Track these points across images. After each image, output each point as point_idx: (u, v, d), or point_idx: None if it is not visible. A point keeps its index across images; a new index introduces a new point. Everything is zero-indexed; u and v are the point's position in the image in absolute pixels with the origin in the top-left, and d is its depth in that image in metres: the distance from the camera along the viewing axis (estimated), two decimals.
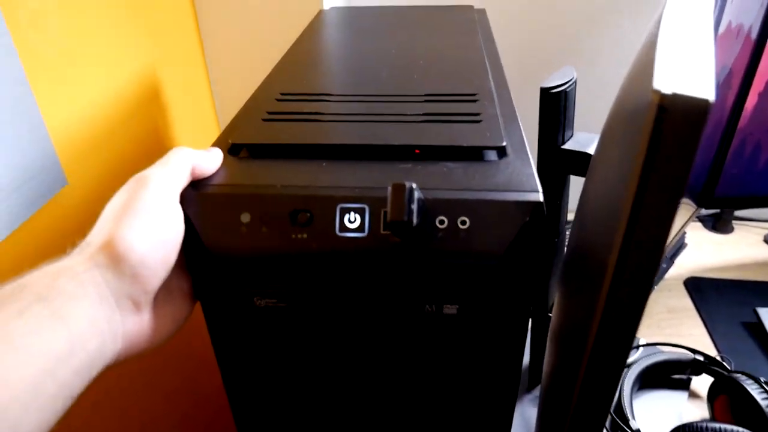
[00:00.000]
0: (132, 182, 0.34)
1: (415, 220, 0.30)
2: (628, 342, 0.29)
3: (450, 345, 0.37)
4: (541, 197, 0.33)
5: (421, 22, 0.69)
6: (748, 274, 0.94)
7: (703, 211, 1.07)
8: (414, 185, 0.30)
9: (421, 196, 0.32)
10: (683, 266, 0.96)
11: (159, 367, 0.77)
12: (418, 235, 0.33)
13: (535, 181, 0.35)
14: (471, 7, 0.75)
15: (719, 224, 1.04)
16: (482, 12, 0.74)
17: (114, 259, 0.31)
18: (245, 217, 0.35)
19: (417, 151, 0.38)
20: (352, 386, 0.41)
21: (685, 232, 1.01)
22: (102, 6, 0.63)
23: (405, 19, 0.71)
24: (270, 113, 0.44)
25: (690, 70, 0.23)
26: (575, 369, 0.33)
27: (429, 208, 0.33)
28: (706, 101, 0.21)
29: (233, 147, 0.40)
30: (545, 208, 0.33)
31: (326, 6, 0.81)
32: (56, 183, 0.57)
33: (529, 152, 0.38)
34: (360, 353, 0.39)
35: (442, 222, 0.33)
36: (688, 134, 0.22)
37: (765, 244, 1.01)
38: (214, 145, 0.41)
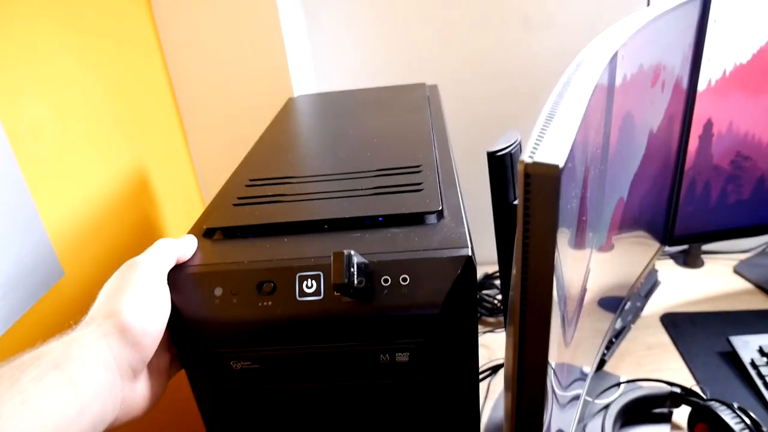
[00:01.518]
0: (125, 267, 0.40)
1: (355, 281, 0.35)
2: (542, 365, 0.33)
3: (407, 389, 0.42)
4: (470, 252, 0.39)
5: (378, 102, 0.77)
6: (721, 305, 0.98)
7: (671, 249, 1.12)
8: (352, 252, 0.36)
9: (364, 260, 0.38)
10: (659, 303, 1.00)
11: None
12: (364, 293, 0.38)
13: (465, 238, 0.40)
14: (423, 84, 0.83)
15: (689, 259, 1.09)
16: (434, 88, 0.82)
17: (119, 328, 0.36)
18: (218, 291, 0.40)
19: (367, 221, 0.44)
20: None
21: (656, 270, 1.06)
22: (94, 112, 0.71)
23: (364, 101, 0.79)
24: (240, 198, 0.50)
25: (552, 139, 0.29)
26: (510, 405, 0.37)
27: (373, 270, 0.38)
28: (555, 166, 0.27)
29: (207, 231, 0.46)
30: (475, 262, 0.39)
31: (296, 93, 0.90)
32: (53, 275, 0.62)
33: (464, 213, 0.44)
34: (328, 403, 0.43)
35: (386, 281, 0.38)
36: (549, 190, 0.27)
37: (735, 275, 1.05)
38: (192, 229, 0.47)
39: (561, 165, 0.27)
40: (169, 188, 0.89)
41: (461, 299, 0.38)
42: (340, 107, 0.78)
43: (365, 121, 0.69)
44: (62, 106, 0.65)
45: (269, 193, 0.50)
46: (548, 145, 0.29)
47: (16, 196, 0.57)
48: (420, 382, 0.41)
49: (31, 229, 0.59)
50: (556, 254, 0.30)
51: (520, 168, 0.28)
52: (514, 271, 0.40)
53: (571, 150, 0.29)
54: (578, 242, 0.43)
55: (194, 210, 0.98)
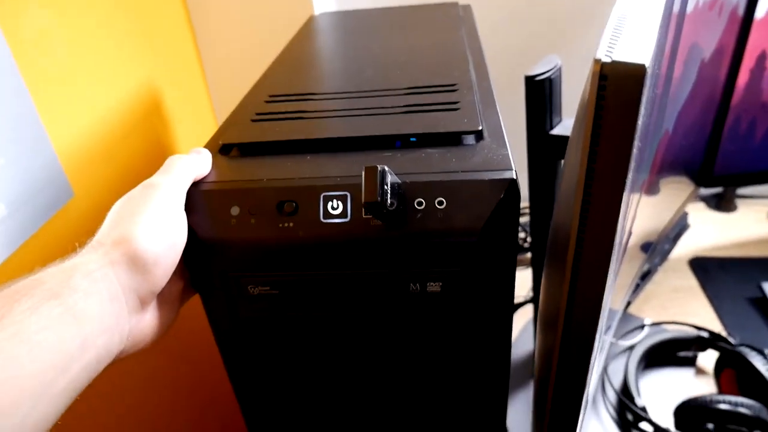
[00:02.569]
0: (141, 188, 0.36)
1: (388, 201, 0.31)
2: (596, 308, 0.30)
3: (436, 323, 0.39)
4: (514, 174, 0.35)
5: (407, 21, 0.71)
6: (752, 251, 0.94)
7: (705, 191, 1.07)
8: (386, 167, 0.32)
9: (397, 180, 0.34)
10: (687, 247, 0.97)
11: (162, 365, 0.79)
12: (397, 217, 0.34)
13: (509, 160, 0.36)
14: (456, 3, 0.77)
15: (722, 203, 1.04)
16: (467, 8, 0.76)
17: (129, 256, 0.32)
18: (235, 210, 0.37)
19: (412, 139, 0.40)
20: (346, 367, 0.42)
21: (687, 213, 1.01)
22: (103, 23, 0.66)
23: (391, 20, 0.73)
24: (259, 114, 0.46)
25: (630, 41, 0.25)
26: (553, 346, 0.34)
27: (406, 192, 0.35)
28: (642, 66, 0.22)
29: (224, 147, 0.42)
30: (519, 185, 0.35)
31: (317, 11, 0.84)
32: (63, 195, 0.60)
33: (505, 135, 0.40)
34: (351, 334, 0.40)
35: (420, 204, 0.35)
36: (628, 97, 0.23)
37: None
38: (207, 145, 0.43)
39: (647, 65, 0.22)
40: (182, 109, 0.85)
41: (502, 226, 0.35)
42: (367, 25, 0.72)
43: (394, 40, 0.64)
44: (69, 14, 0.60)
45: (291, 110, 0.46)
46: (629, 44, 0.24)
47: (20, 110, 0.53)
48: (451, 314, 0.38)
49: (38, 146, 0.56)
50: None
51: (594, 69, 0.23)
52: (559, 204, 0.36)
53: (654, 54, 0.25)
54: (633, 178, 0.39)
55: (208, 132, 0.94)
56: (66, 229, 0.60)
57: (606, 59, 0.23)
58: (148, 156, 0.75)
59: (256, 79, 0.56)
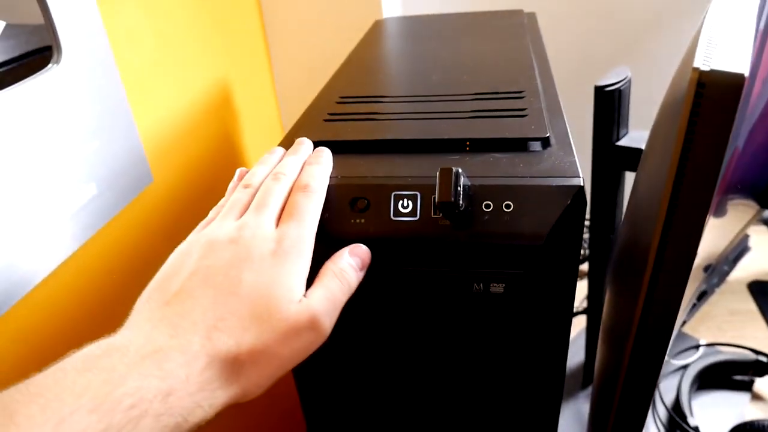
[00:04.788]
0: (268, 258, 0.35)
1: (461, 202, 0.33)
2: (667, 331, 0.31)
3: (497, 323, 0.40)
4: (581, 182, 0.36)
5: (472, 27, 0.73)
6: None
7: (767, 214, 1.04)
8: (460, 170, 0.33)
9: (468, 182, 0.35)
10: (747, 269, 0.94)
11: None
12: (465, 218, 0.35)
13: (576, 168, 0.37)
14: (521, 11, 0.77)
15: None
16: (532, 16, 0.76)
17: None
18: None
19: (468, 145, 0.41)
20: (406, 364, 0.44)
21: (748, 235, 0.98)
22: (184, 22, 0.70)
23: (456, 25, 0.75)
24: (331, 114, 0.48)
25: (727, 52, 0.25)
26: (620, 362, 0.34)
27: (475, 194, 0.36)
28: (741, 75, 0.23)
29: None
30: (586, 194, 0.36)
31: (384, 16, 0.86)
32: (144, 180, 0.63)
33: (572, 143, 0.41)
34: (413, 331, 0.42)
35: (488, 206, 0.36)
36: (724, 105, 0.23)
37: None
38: (281, 144, 0.45)
39: (747, 75, 0.23)
40: (249, 105, 0.88)
41: (568, 233, 0.35)
42: (432, 30, 0.74)
43: (459, 45, 0.65)
44: (157, 14, 0.65)
45: (361, 111, 0.48)
46: (726, 54, 0.24)
47: (115, 99, 0.57)
48: (512, 316, 0.39)
49: (127, 132, 0.59)
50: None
51: (692, 76, 0.24)
52: (632, 216, 0.36)
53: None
54: None
55: (273, 129, 0.98)
56: (144, 212, 0.63)
57: (705, 68, 0.23)
58: (217, 147, 0.79)
59: (320, 80, 0.58)
